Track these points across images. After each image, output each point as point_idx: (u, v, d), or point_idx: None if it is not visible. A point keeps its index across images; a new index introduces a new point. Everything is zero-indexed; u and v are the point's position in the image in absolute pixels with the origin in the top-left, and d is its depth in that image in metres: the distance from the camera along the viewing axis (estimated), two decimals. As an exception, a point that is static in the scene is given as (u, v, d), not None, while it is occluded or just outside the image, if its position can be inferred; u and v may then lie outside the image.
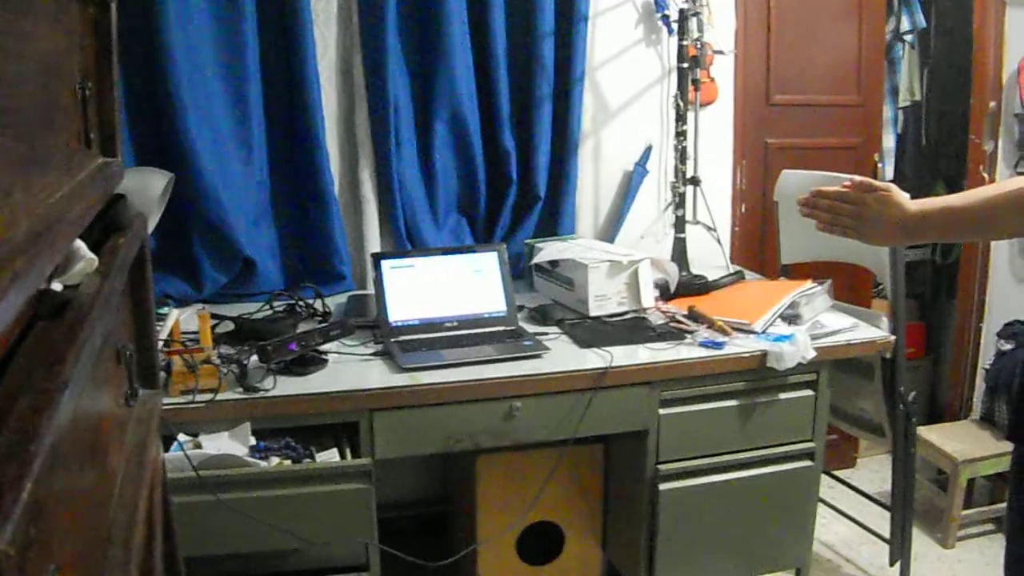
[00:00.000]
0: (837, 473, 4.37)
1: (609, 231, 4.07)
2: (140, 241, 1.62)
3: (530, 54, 3.74)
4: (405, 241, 3.72)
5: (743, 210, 4.31)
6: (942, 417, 4.94)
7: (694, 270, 3.72)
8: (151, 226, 2.94)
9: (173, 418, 2.50)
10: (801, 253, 3.80)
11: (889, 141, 5.02)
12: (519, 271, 3.82)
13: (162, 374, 2.60)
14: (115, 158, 1.55)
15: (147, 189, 2.85)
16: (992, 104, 4.56)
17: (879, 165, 4.56)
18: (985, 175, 4.57)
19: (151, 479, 1.52)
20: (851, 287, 4.33)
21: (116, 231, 1.54)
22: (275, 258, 3.65)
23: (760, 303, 3.26)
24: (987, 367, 4.39)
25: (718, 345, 3.01)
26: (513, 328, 3.14)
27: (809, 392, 3.13)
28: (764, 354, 2.97)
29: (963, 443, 4.18)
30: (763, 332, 3.11)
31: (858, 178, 2.13)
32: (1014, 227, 1.96)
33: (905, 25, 5.10)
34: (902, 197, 2.07)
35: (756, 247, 4.35)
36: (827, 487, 4.21)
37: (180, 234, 3.48)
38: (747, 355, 2.98)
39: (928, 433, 4.29)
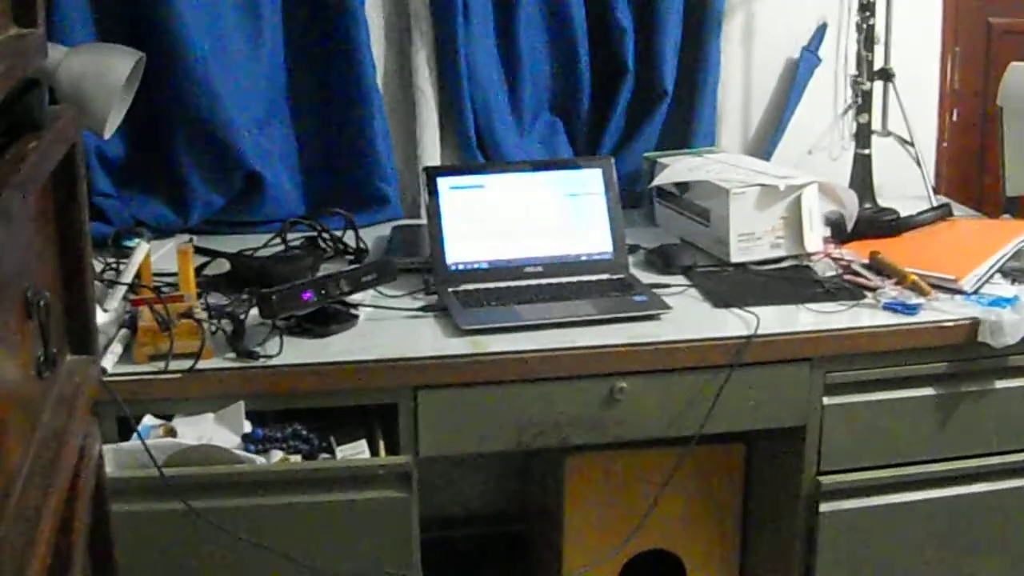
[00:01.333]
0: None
1: (764, 143, 4.04)
2: (68, 145, 1.60)
3: None
4: (475, 152, 3.71)
5: (954, 118, 4.24)
6: None
7: (881, 201, 3.68)
8: (112, 126, 2.92)
9: (136, 394, 2.49)
10: None
11: None
12: (635, 197, 3.79)
13: (124, 331, 2.59)
14: (35, 28, 1.53)
15: (105, 75, 2.79)
16: None
17: None
18: None
19: (71, 481, 1.51)
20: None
21: (32, 130, 1.52)
22: (291, 173, 3.66)
23: (973, 251, 3.21)
24: None
25: (910, 309, 2.95)
26: (621, 277, 3.12)
27: (1042, 379, 3.11)
28: (976, 323, 2.91)
29: None
30: (975, 292, 3.05)
31: None
32: None
33: None
34: None
35: (972, 171, 4.29)
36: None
37: (158, 139, 3.50)
38: (951, 324, 2.92)
39: None
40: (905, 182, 3.83)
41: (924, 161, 3.85)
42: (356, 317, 2.82)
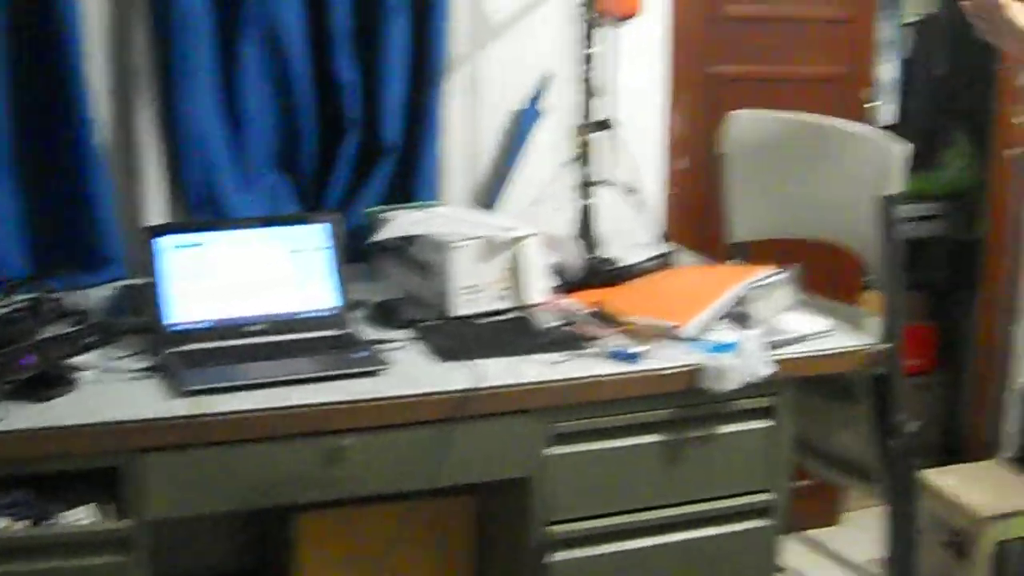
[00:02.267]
0: (813, 533, 4.44)
1: (488, 196, 4.11)
2: None
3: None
4: (201, 209, 3.72)
5: (681, 166, 4.38)
6: (960, 456, 5.04)
7: (608, 250, 3.75)
8: None
9: None
10: (760, 227, 3.87)
11: (889, 70, 5.11)
12: (362, 252, 3.77)
13: None
14: None
15: None
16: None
17: (871, 104, 4.64)
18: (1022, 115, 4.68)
19: None
20: (833, 275, 4.36)
21: None
22: (15, 232, 3.62)
23: (695, 297, 3.30)
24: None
25: (633, 357, 3.04)
26: (345, 333, 3.16)
27: (765, 423, 3.20)
28: (697, 370, 3.02)
29: (988, 493, 4.25)
30: (697, 338, 3.15)
31: None
32: None
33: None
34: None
35: (698, 218, 4.41)
36: (798, 553, 4.29)
37: None
38: (672, 371, 3.02)
39: (940, 478, 4.35)
40: (633, 230, 3.90)
41: (650, 209, 3.96)
42: (74, 381, 2.79)
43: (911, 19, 5.29)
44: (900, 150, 3.39)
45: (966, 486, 4.30)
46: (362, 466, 2.85)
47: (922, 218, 5.32)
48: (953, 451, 5.17)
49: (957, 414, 5.32)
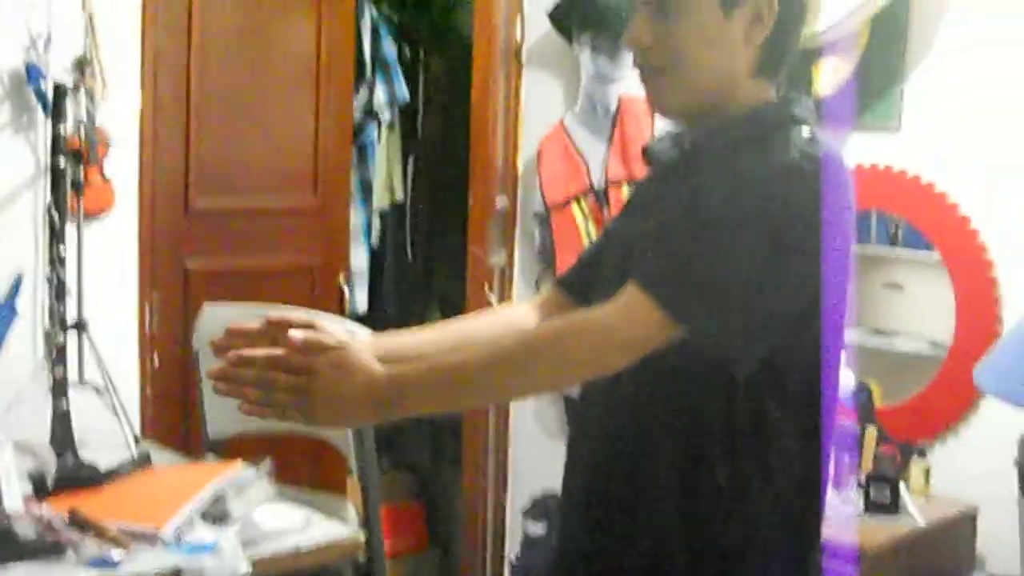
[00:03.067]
0: None
1: None
2: None
3: None
4: None
5: (155, 364, 4.51)
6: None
7: (88, 452, 3.77)
8: None
9: None
10: (234, 422, 3.83)
11: (360, 257, 5.40)
12: None
13: None
14: None
15: None
16: (501, 202, 5.04)
17: (347, 290, 4.89)
18: (493, 298, 5.00)
19: None
20: (319, 464, 4.57)
21: None
22: None
23: (173, 498, 3.36)
24: (515, 559, 4.75)
25: (111, 564, 3.04)
26: None
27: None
28: (177, 572, 3.05)
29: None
30: (177, 541, 3.21)
31: (301, 335, 2.14)
32: (536, 378, 2.22)
33: (381, 98, 5.54)
34: (364, 356, 2.14)
35: (178, 416, 4.53)
36: None
37: None
38: (154, 575, 3.05)
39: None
40: (111, 431, 3.95)
41: (125, 408, 4.02)
42: None
43: (381, 206, 5.59)
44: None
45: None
46: None
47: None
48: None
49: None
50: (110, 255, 4.32)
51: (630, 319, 2.15)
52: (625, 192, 4.54)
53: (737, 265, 2.13)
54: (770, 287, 2.14)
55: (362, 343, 2.24)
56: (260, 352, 2.14)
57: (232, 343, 2.27)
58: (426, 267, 5.88)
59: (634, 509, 2.35)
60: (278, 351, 2.13)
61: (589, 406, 2.49)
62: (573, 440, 2.56)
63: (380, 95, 5.53)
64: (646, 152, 2.55)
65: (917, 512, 3.90)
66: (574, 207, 4.86)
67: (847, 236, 2.27)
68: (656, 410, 2.31)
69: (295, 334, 2.14)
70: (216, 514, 3.36)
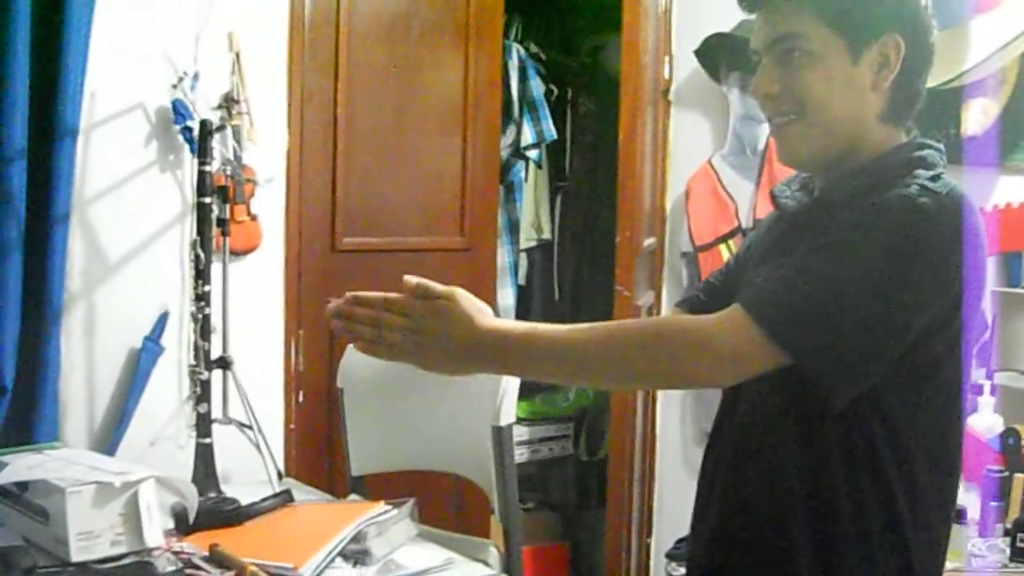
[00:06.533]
0: None
1: (109, 436, 4.15)
2: None
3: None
4: None
5: (300, 400, 4.53)
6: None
7: (229, 489, 3.81)
8: None
9: None
10: (377, 460, 4.02)
11: (508, 296, 5.40)
12: None
13: None
14: None
15: None
16: (649, 242, 4.99)
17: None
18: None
19: None
20: (460, 506, 4.56)
21: None
22: None
23: (313, 537, 3.38)
24: (658, 601, 4.71)
25: None
26: None
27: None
28: None
29: None
30: None
31: (415, 279, 2.26)
32: (631, 366, 2.22)
33: (528, 137, 5.54)
34: (473, 309, 2.21)
35: (322, 453, 4.55)
36: None
37: None
38: None
39: None
40: (253, 468, 3.97)
41: (269, 446, 4.01)
42: None
43: (528, 244, 5.59)
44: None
45: None
46: None
47: (545, 439, 5.56)
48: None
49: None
50: (257, 293, 4.36)
51: (735, 333, 2.17)
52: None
53: (840, 294, 2.14)
54: (876, 323, 2.15)
55: (471, 301, 2.24)
56: (375, 295, 2.26)
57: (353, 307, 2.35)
58: (573, 306, 5.87)
59: (766, 550, 2.39)
60: (392, 294, 2.24)
61: (720, 446, 2.57)
62: (701, 480, 2.66)
63: (528, 134, 5.53)
64: (773, 196, 2.56)
65: (1065, 561, 3.80)
66: (722, 248, 4.84)
67: (974, 275, 2.24)
68: (780, 448, 2.36)
69: (409, 278, 2.26)
70: (357, 554, 3.36)
